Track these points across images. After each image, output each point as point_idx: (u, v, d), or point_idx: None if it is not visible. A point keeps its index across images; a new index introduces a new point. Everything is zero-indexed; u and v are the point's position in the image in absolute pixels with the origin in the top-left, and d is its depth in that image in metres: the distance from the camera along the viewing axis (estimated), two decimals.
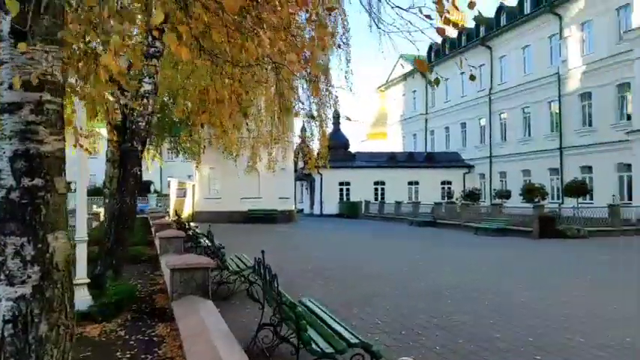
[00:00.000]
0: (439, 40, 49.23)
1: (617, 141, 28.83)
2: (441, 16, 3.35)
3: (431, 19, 3.59)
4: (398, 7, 4.34)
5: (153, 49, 7.35)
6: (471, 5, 3.25)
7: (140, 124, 7.43)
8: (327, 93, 14.00)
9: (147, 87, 7.43)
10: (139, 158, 7.53)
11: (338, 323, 5.13)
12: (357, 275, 12.04)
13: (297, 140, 30.70)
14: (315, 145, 24.61)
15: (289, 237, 24.22)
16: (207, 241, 10.77)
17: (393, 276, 12.01)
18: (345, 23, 12.99)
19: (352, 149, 49.71)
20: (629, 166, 28.02)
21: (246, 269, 8.42)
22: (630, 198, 27.61)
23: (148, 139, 18.80)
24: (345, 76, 13.23)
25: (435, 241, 21.90)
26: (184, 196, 32.03)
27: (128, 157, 7.41)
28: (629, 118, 28.60)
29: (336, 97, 14.84)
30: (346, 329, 4.92)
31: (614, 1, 30.18)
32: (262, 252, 5.62)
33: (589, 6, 32.14)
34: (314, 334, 4.72)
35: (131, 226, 7.86)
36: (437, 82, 3.85)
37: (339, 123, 45.72)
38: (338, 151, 43.52)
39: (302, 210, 47.57)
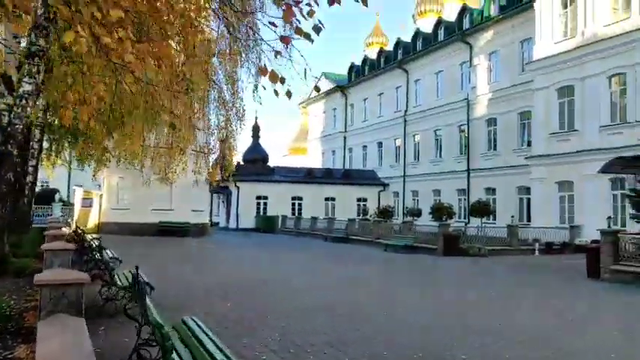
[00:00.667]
0: (358, 60, 50.46)
1: (518, 165, 30.62)
2: (290, 24, 3.31)
3: (275, 26, 3.55)
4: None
5: (35, 47, 6.87)
6: (311, 14, 3.23)
7: (17, 126, 6.89)
8: (232, 106, 13.72)
9: (27, 87, 6.92)
10: (15, 163, 6.96)
11: (216, 346, 4.90)
12: (259, 291, 11.85)
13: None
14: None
15: (198, 251, 23.59)
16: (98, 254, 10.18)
17: (295, 292, 11.92)
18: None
19: (274, 163, 49.62)
20: (528, 189, 29.81)
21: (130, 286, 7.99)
22: (529, 219, 29.35)
23: (41, 144, 17.68)
24: (253, 91, 12.98)
25: (344, 256, 22.11)
26: (90, 206, 30.39)
27: (1, 162, 6.83)
28: (529, 144, 30.50)
29: (244, 110, 14.57)
30: (222, 352, 4.71)
31: (518, 34, 32.29)
32: (136, 267, 5.31)
33: (496, 37, 34.19)
34: (187, 357, 4.49)
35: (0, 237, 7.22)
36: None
37: (258, 137, 45.50)
38: (256, 165, 43.31)
39: (218, 223, 46.63)
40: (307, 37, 3.48)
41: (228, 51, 11.93)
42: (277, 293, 11.64)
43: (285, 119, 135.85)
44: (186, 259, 19.30)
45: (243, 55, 12.55)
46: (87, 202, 30.39)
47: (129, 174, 28.37)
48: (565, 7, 27.06)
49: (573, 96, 26.18)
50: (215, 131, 14.36)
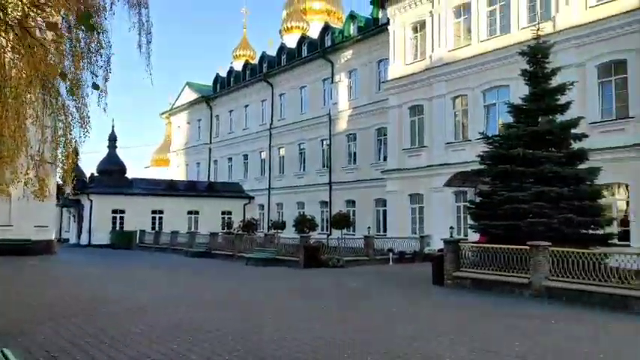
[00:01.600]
0: (223, 72, 50.04)
1: (376, 179, 32.14)
2: None
3: None
4: None
5: None
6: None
7: None
8: (75, 110, 12.50)
9: None
10: None
11: None
12: (99, 312, 10.90)
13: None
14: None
15: (34, 270, 21.41)
16: None
17: (131, 313, 11.13)
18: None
19: (137, 175, 46.92)
20: (385, 201, 31.32)
21: None
22: (385, 230, 30.82)
23: None
24: (99, 97, 11.96)
25: (199, 272, 21.40)
26: None
27: None
28: (385, 159, 32.10)
29: (88, 116, 13.34)
30: None
31: (375, 54, 34.08)
32: None
33: (356, 56, 35.78)
34: None
35: None
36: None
37: (114, 147, 42.81)
38: (112, 177, 40.68)
39: (67, 240, 42.97)
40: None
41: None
42: (118, 314, 10.79)
43: (147, 129, 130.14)
44: (16, 279, 17.36)
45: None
46: None
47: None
48: (415, 31, 29.07)
49: (423, 114, 28.12)
50: (49, 139, 12.92)
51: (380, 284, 17.53)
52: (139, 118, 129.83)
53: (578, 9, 21.80)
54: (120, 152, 43.68)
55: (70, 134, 13.92)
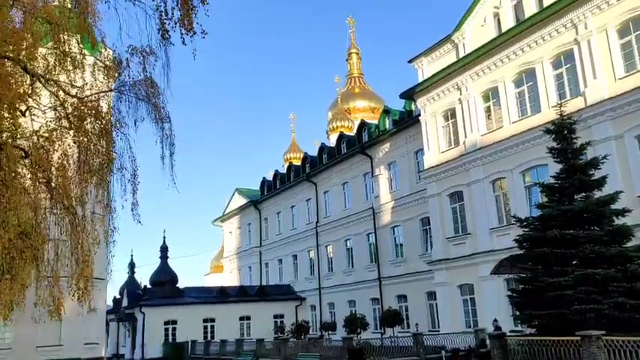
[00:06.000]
0: (270, 176, 51.44)
1: (425, 270, 30.87)
2: None
3: None
4: None
5: None
6: None
7: None
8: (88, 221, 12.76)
9: None
10: None
11: None
12: None
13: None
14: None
15: None
16: None
17: None
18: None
19: (197, 283, 47.30)
20: (436, 294, 29.80)
21: None
22: (438, 325, 29.08)
23: None
24: (132, 208, 12.35)
25: None
26: None
27: None
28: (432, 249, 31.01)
29: (112, 230, 13.62)
30: None
31: (411, 145, 34.16)
32: None
33: (393, 149, 35.99)
34: None
35: None
36: None
37: (166, 257, 43.71)
38: (164, 288, 41.16)
39: (123, 355, 42.99)
40: None
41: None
42: None
43: (202, 235, 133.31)
44: None
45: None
46: None
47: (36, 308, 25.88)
48: (447, 119, 29.09)
49: (463, 200, 27.35)
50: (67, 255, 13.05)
51: None
52: (196, 225, 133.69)
53: (607, 81, 21.24)
54: (176, 262, 44.62)
55: (84, 248, 13.96)
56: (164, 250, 43.72)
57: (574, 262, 14.32)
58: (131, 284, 45.75)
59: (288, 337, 29.25)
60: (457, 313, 26.83)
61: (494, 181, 26.05)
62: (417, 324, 27.83)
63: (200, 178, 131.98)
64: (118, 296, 47.01)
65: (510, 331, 18.86)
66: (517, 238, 16.05)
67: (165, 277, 41.95)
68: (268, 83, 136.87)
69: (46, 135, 11.45)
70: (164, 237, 43.84)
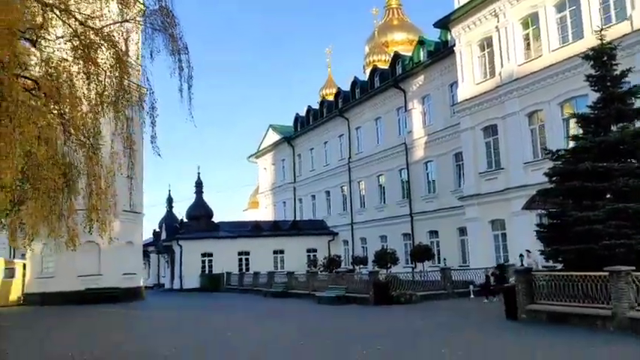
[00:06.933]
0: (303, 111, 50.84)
1: (457, 206, 30.40)
2: None
3: None
4: None
5: None
6: None
7: None
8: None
9: None
10: None
11: None
12: None
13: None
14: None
15: (116, 319, 22.24)
16: None
17: None
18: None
19: (236, 218, 48.26)
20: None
21: None
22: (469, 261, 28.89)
23: None
24: (151, 141, 12.24)
25: (268, 314, 21.08)
26: (12, 276, 28.69)
27: None
28: None
29: (132, 162, 13.51)
30: None
31: (446, 77, 32.83)
32: None
33: (427, 82, 34.74)
34: None
35: None
36: None
37: (201, 192, 44.56)
38: (200, 222, 42.19)
39: (163, 285, 44.93)
40: None
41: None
42: None
43: (240, 173, 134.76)
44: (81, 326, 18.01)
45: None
46: (9, 273, 28.69)
47: (52, 239, 27.02)
48: (483, 49, 27.67)
49: (497, 134, 26.38)
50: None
51: (447, 322, 16.15)
52: (232, 162, 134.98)
53: None
54: (213, 197, 45.54)
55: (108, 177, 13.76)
56: (199, 185, 44.54)
57: (606, 197, 13.62)
58: (169, 218, 47.16)
59: (317, 271, 29.69)
60: (488, 248, 26.50)
61: (530, 113, 24.91)
62: (444, 259, 27.77)
63: (237, 114, 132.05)
64: (157, 230, 48.65)
65: (543, 267, 18.55)
66: (547, 171, 15.32)
67: (200, 211, 42.94)
68: (305, 18, 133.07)
69: (62, 65, 11.25)
70: (198, 172, 44.65)
